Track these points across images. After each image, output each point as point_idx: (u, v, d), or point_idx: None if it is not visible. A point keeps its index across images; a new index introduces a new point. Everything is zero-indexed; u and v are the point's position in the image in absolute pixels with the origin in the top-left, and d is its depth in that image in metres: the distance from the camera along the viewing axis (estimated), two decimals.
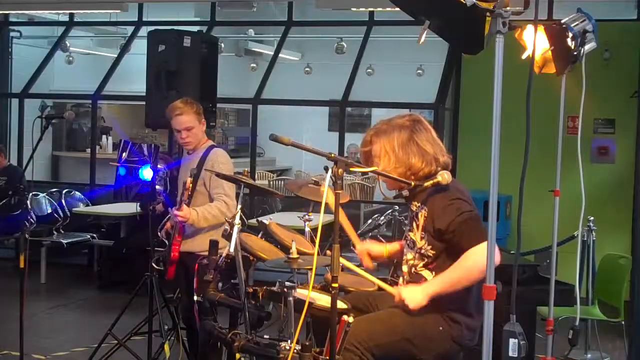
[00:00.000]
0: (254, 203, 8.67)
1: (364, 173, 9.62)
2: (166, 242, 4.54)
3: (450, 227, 2.95)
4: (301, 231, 4.09)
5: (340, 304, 2.99)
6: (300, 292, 3.02)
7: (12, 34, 10.36)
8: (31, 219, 7.98)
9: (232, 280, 3.33)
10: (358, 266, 3.37)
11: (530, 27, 3.60)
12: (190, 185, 4.06)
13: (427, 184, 3.03)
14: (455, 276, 2.91)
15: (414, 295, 2.96)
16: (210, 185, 4.31)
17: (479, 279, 2.84)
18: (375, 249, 3.47)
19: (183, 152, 4.69)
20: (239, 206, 3.30)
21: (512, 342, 2.40)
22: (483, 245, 2.80)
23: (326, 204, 2.65)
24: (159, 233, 4.65)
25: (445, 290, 2.94)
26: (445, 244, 3.00)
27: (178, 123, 4.38)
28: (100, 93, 9.11)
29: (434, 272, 3.05)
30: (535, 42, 2.93)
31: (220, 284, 3.28)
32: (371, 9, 8.55)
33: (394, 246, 3.49)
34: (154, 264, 4.61)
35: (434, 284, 2.99)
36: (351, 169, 2.83)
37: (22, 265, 4.27)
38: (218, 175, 3.79)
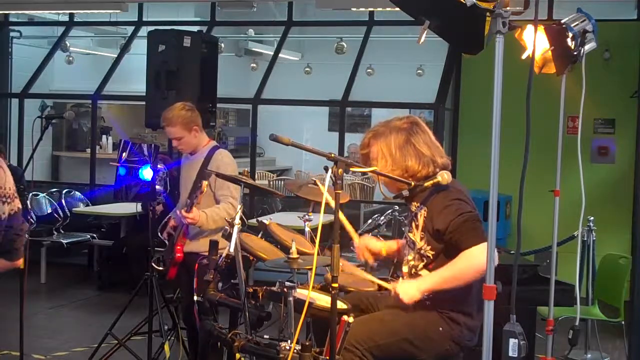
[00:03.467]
0: (254, 203, 8.67)
1: (364, 173, 9.62)
2: (166, 242, 4.53)
3: (449, 228, 2.95)
4: (301, 231, 4.10)
5: (340, 304, 2.99)
6: (300, 292, 3.02)
7: (12, 34, 10.36)
8: (31, 219, 7.98)
9: (232, 280, 3.33)
10: (358, 266, 3.38)
11: (530, 27, 3.60)
12: (206, 189, 3.98)
13: (427, 184, 3.04)
14: (450, 274, 2.92)
15: (409, 290, 2.97)
16: (216, 186, 4.27)
17: (473, 279, 2.86)
18: (373, 245, 3.47)
19: (183, 152, 4.68)
20: (239, 206, 3.31)
21: (512, 342, 2.40)
22: (481, 246, 2.81)
23: (326, 203, 2.65)
24: (159, 233, 4.65)
25: (439, 287, 2.95)
26: (444, 245, 3.01)
27: (167, 132, 4.47)
28: (100, 93, 9.11)
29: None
30: (535, 42, 2.93)
31: (220, 284, 3.29)
32: (371, 9, 8.55)
33: (391, 244, 3.49)
34: (153, 264, 4.61)
35: (428, 280, 3.00)
36: (351, 169, 2.84)
37: (22, 265, 4.27)
38: (218, 175, 3.80)
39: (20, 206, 3.41)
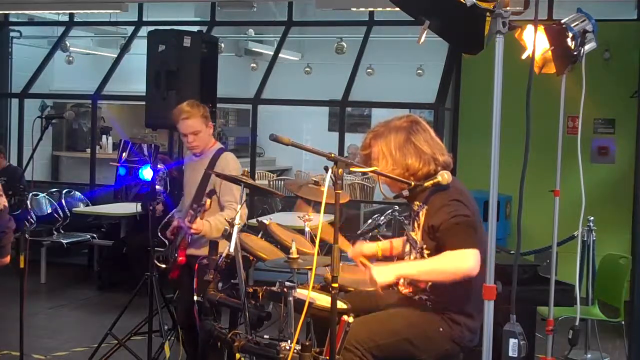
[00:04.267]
0: (254, 203, 8.67)
1: (364, 173, 9.63)
2: (166, 242, 4.53)
3: (441, 226, 2.94)
4: (301, 231, 4.09)
5: (340, 304, 2.99)
6: (300, 292, 3.03)
7: (12, 34, 10.36)
8: (31, 219, 7.98)
9: (232, 280, 3.33)
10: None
11: (530, 27, 3.60)
12: (210, 207, 3.88)
13: (427, 183, 3.03)
14: (428, 267, 2.92)
15: (384, 271, 2.94)
16: (221, 191, 4.19)
17: (450, 280, 2.86)
18: (367, 249, 3.47)
19: (184, 152, 4.67)
20: (239, 206, 3.31)
21: (512, 342, 2.40)
22: (466, 251, 2.81)
23: (326, 203, 2.65)
24: (159, 233, 4.64)
25: (413, 276, 3.00)
26: (435, 243, 3.00)
27: (184, 127, 4.28)
28: (100, 93, 9.11)
29: None
30: (535, 42, 2.93)
31: (220, 284, 3.29)
32: (371, 9, 8.55)
33: (385, 244, 3.50)
34: (156, 262, 4.59)
35: (405, 266, 3.02)
36: (351, 169, 2.84)
37: (22, 265, 4.27)
38: (219, 175, 3.78)
39: (6, 204, 3.41)
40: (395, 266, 3.02)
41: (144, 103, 6.91)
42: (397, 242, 3.48)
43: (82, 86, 9.97)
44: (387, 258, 3.56)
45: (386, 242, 3.54)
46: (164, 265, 4.48)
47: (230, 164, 4.28)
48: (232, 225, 3.18)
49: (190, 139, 4.30)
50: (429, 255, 3.04)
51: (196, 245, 4.30)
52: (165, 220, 4.66)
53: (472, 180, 3.64)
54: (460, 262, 2.82)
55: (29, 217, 7.86)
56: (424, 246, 3.06)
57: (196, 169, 4.35)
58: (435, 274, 2.90)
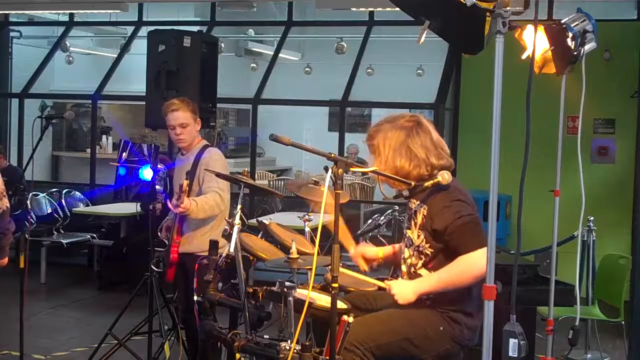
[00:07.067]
0: (254, 203, 8.67)
1: (364, 173, 9.62)
2: (166, 242, 4.54)
3: (448, 230, 2.95)
4: (301, 231, 4.10)
5: (340, 304, 2.99)
6: (300, 292, 3.03)
7: (12, 34, 10.37)
8: (31, 219, 7.97)
9: (232, 280, 3.33)
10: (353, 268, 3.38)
11: (530, 27, 3.60)
12: (187, 188, 4.02)
13: (428, 184, 3.03)
14: (447, 278, 2.93)
15: (404, 291, 2.98)
16: (204, 180, 4.27)
17: (469, 284, 2.88)
18: (369, 252, 3.47)
19: (179, 154, 4.68)
20: (239, 206, 3.30)
21: (512, 342, 2.40)
22: (479, 252, 2.82)
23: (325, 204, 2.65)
24: (158, 233, 4.64)
25: (435, 290, 2.97)
26: (443, 245, 3.00)
27: (173, 118, 4.34)
28: (100, 93, 9.11)
29: (432, 272, 3.05)
30: (535, 42, 2.93)
31: (220, 284, 3.29)
32: (371, 9, 8.55)
33: (388, 249, 3.49)
34: (153, 266, 4.61)
35: (425, 282, 3.01)
36: (351, 169, 2.84)
37: (22, 265, 4.28)
38: (219, 175, 3.79)
39: (8, 205, 3.43)
40: (412, 284, 3.03)
41: (144, 103, 6.90)
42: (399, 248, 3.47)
43: (82, 86, 9.97)
44: (388, 263, 3.56)
45: (389, 247, 3.53)
46: (160, 270, 4.50)
47: (214, 157, 4.35)
48: (232, 225, 3.18)
49: (177, 131, 4.36)
50: (432, 254, 3.04)
51: (189, 241, 4.32)
52: (164, 221, 4.66)
53: (472, 180, 3.64)
54: (474, 264, 2.83)
55: (29, 217, 7.85)
56: (426, 245, 3.06)
57: (183, 169, 4.39)
58: (453, 283, 2.91)
